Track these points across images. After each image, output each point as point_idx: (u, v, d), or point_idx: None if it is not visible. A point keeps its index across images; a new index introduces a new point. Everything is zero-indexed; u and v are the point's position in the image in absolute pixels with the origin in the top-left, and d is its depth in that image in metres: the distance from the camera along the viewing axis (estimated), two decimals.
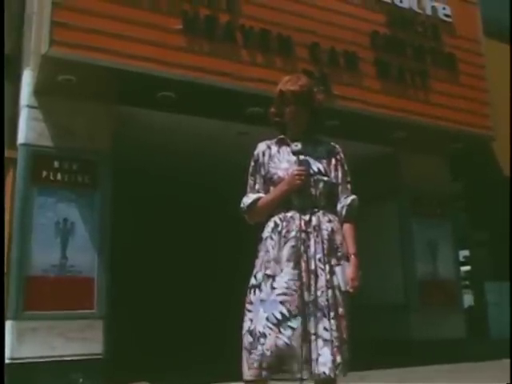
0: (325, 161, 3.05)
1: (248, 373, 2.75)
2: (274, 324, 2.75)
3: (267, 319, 2.76)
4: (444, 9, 9.02)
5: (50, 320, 6.47)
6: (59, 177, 6.90)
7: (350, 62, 7.87)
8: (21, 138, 6.87)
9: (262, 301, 2.81)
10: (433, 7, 8.95)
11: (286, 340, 2.73)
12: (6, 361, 6.06)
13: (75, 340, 6.51)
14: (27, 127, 6.85)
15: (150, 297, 11.15)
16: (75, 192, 6.94)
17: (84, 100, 7.03)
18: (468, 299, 12.24)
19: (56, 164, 6.90)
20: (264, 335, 2.74)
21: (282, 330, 2.74)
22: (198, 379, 6.57)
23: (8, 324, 6.26)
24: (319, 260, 2.84)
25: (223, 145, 8.76)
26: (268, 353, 2.72)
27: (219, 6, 7.09)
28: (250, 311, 2.85)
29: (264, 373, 2.72)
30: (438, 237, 9.71)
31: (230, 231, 10.77)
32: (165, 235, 11.69)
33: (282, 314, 2.76)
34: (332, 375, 2.73)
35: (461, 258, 11.63)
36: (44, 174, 6.81)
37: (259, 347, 2.74)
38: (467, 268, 13.07)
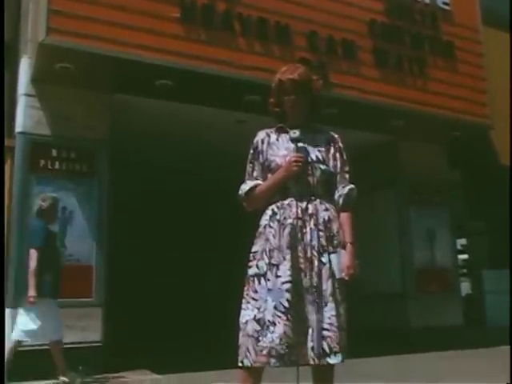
0: (323, 149, 3.04)
1: (255, 359, 2.77)
2: (282, 312, 2.77)
3: (275, 308, 2.78)
4: None
5: None
6: (57, 165, 6.90)
7: (348, 51, 7.85)
8: (18, 126, 6.86)
9: (269, 290, 2.82)
10: None
11: (293, 327, 2.76)
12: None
13: (74, 328, 6.53)
14: (25, 115, 6.84)
15: (148, 284, 11.17)
16: (73, 181, 6.94)
17: (82, 88, 7.02)
18: (465, 287, 12.30)
19: (54, 152, 6.90)
20: (273, 323, 2.76)
21: (289, 317, 2.76)
22: (198, 366, 6.60)
23: (7, 312, 6.27)
24: (315, 247, 2.85)
25: (221, 133, 8.77)
26: (277, 340, 2.74)
27: None
28: (255, 300, 2.85)
29: (273, 360, 2.74)
30: (436, 225, 9.74)
31: (229, 219, 10.78)
32: (163, 222, 11.70)
33: (288, 301, 2.78)
34: (330, 362, 2.75)
35: (458, 247, 11.68)
36: (42, 162, 6.81)
37: (269, 335, 2.76)
38: (465, 256, 13.13)
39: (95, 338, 6.66)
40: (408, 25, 8.55)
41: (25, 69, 6.97)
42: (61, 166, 6.93)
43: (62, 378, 5.92)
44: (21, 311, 5.86)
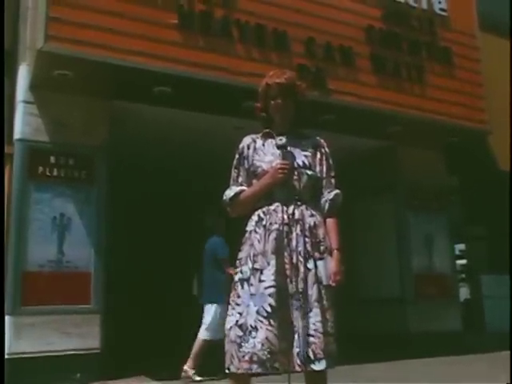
0: (309, 154, 3.04)
1: (238, 365, 2.75)
2: (264, 317, 2.75)
3: (257, 312, 2.76)
4: (440, 2, 9.02)
5: (47, 315, 6.49)
6: (55, 172, 6.90)
7: (345, 57, 7.87)
8: (17, 133, 6.87)
9: (252, 295, 2.81)
10: (428, 1, 8.94)
11: (276, 333, 2.74)
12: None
13: (72, 335, 6.53)
14: (23, 122, 6.85)
15: (147, 291, 11.16)
16: (72, 187, 6.95)
17: (80, 95, 7.03)
18: (464, 292, 12.29)
19: (52, 159, 6.90)
20: (255, 328, 2.74)
21: (271, 322, 2.75)
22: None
23: (5, 319, 6.26)
24: (301, 253, 2.84)
25: (219, 139, 8.74)
26: (259, 346, 2.71)
27: (215, 1, 7.08)
28: (238, 305, 2.84)
29: (255, 366, 2.72)
30: (435, 230, 9.74)
31: (228, 225, 10.77)
32: (161, 229, 11.68)
33: (271, 306, 2.76)
34: (314, 369, 2.73)
35: (457, 252, 11.68)
36: (40, 169, 6.81)
37: (251, 340, 2.74)
38: (464, 261, 13.13)
39: (93, 344, 6.64)
40: (405, 31, 8.57)
41: (23, 76, 6.98)
42: (59, 172, 6.93)
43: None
44: (207, 314, 6.87)
